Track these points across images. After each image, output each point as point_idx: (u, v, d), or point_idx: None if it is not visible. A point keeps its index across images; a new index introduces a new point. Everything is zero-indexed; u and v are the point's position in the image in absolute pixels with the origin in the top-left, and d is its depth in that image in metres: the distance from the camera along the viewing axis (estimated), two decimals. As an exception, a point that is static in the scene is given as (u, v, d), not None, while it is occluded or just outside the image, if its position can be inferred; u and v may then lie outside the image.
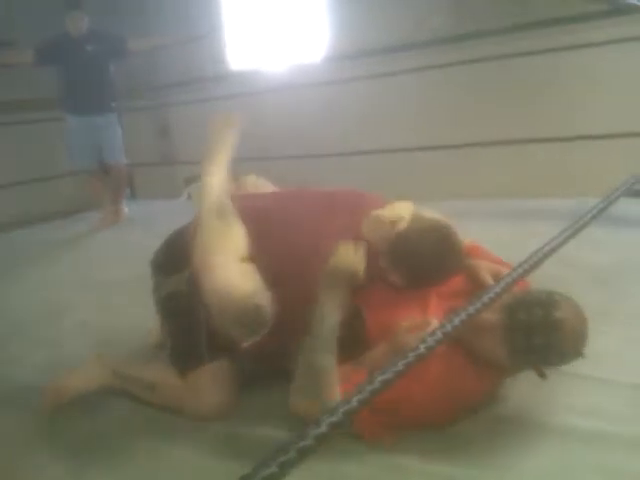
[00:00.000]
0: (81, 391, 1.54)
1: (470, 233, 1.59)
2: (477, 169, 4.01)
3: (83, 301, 2.44)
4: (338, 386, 1.21)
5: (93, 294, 2.52)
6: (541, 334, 1.13)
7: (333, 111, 4.40)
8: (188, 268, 1.41)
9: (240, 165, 1.65)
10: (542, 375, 1.24)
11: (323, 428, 0.56)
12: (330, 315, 1.24)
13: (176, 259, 1.49)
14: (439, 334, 0.75)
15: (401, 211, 1.39)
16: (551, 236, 1.15)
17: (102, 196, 4.25)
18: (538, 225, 2.51)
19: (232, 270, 1.25)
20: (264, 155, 3.72)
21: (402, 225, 1.35)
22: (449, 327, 0.76)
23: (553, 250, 1.03)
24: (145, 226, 3.98)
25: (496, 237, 1.93)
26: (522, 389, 1.38)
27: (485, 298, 0.82)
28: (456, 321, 0.77)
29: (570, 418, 1.25)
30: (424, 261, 1.31)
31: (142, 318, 2.13)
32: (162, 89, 5.35)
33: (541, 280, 1.73)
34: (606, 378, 1.38)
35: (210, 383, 1.40)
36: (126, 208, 4.33)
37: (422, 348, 0.71)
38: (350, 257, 1.27)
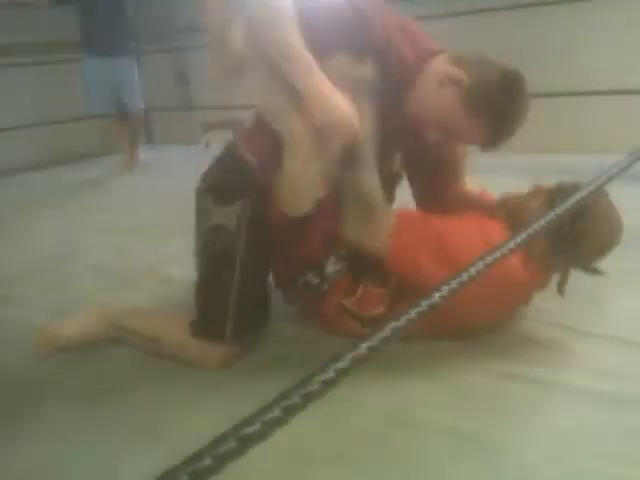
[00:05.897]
0: (73, 341, 1.49)
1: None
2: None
3: (97, 244, 2.44)
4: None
5: (107, 238, 2.52)
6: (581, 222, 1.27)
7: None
8: (240, 201, 1.32)
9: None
10: (562, 287, 1.36)
11: (330, 374, 0.54)
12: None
13: (230, 188, 1.34)
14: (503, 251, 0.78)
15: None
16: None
17: (120, 140, 4.22)
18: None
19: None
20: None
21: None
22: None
23: (578, 204, 0.98)
24: (161, 172, 3.96)
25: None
26: (539, 348, 1.36)
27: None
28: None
29: (588, 379, 1.22)
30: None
31: (156, 263, 2.14)
32: (181, 33, 5.21)
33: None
34: (628, 340, 1.35)
35: (220, 349, 1.36)
36: (142, 153, 4.31)
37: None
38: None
